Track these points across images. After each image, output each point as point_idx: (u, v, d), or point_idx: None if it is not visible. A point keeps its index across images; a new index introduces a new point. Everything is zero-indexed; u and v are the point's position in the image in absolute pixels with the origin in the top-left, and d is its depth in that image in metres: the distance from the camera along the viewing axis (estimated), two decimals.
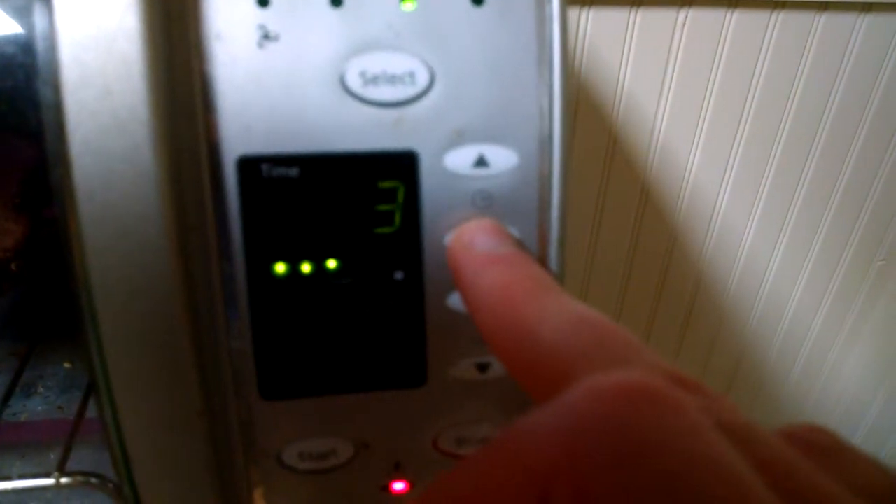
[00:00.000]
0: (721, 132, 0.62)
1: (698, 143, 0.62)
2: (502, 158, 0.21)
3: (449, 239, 0.21)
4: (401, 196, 0.21)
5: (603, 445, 0.11)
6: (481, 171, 0.21)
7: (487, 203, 0.21)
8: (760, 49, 0.59)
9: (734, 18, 0.57)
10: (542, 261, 0.22)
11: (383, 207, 0.21)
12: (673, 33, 0.57)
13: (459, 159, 0.21)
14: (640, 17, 0.56)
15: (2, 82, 0.22)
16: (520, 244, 0.21)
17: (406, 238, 0.21)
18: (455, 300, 0.22)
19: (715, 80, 0.59)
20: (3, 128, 0.29)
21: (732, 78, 0.59)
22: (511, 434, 0.13)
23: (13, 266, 0.32)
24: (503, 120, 0.21)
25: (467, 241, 0.21)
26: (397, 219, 0.21)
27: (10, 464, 0.34)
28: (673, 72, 0.59)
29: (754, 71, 0.60)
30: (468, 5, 0.20)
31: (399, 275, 0.22)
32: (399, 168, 0.21)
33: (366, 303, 0.22)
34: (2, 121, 0.28)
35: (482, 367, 0.23)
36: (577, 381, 0.13)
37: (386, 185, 0.21)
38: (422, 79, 0.20)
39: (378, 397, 0.23)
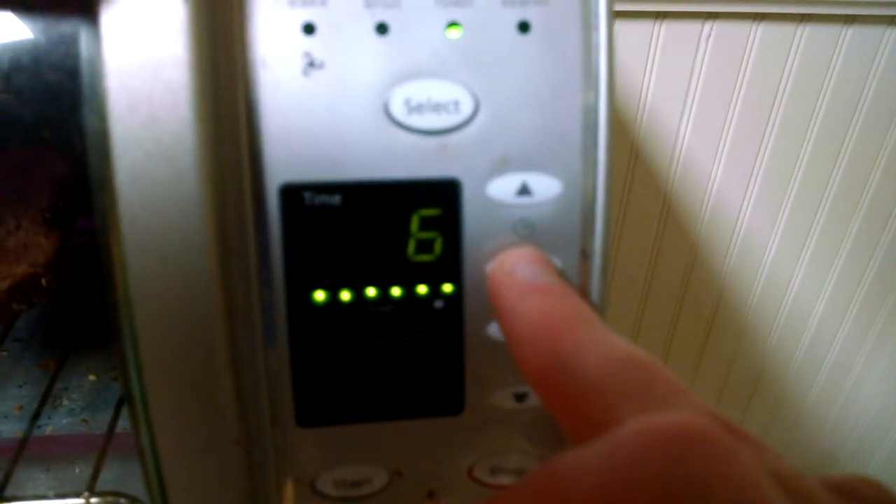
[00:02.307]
0: (745, 145, 0.62)
1: (721, 155, 0.62)
2: (546, 187, 0.21)
3: (490, 267, 0.21)
4: (442, 224, 0.21)
5: (653, 487, 0.11)
6: (524, 200, 0.21)
7: (529, 232, 0.21)
8: (786, 62, 0.58)
9: (759, 31, 0.56)
10: (584, 291, 0.22)
11: (425, 235, 0.21)
12: (697, 46, 0.56)
13: (502, 187, 0.21)
14: (664, 30, 0.55)
15: (44, 108, 0.21)
16: (561, 274, 0.21)
17: (447, 266, 0.21)
18: (495, 329, 0.22)
19: (739, 93, 0.59)
20: (36, 145, 0.30)
21: (757, 91, 0.59)
22: (554, 469, 0.12)
23: (43, 281, 0.32)
24: (547, 148, 0.21)
25: (508, 269, 0.20)
26: (438, 247, 0.21)
27: (35, 477, 0.34)
28: (697, 85, 0.58)
29: (779, 84, 0.59)
30: (514, 33, 0.20)
31: (439, 303, 0.21)
32: (441, 196, 0.21)
33: (405, 331, 0.21)
34: (34, 138, 0.28)
35: (520, 397, 0.23)
36: (626, 421, 0.13)
37: (428, 213, 0.21)
38: (466, 107, 0.20)
39: (414, 425, 0.23)
